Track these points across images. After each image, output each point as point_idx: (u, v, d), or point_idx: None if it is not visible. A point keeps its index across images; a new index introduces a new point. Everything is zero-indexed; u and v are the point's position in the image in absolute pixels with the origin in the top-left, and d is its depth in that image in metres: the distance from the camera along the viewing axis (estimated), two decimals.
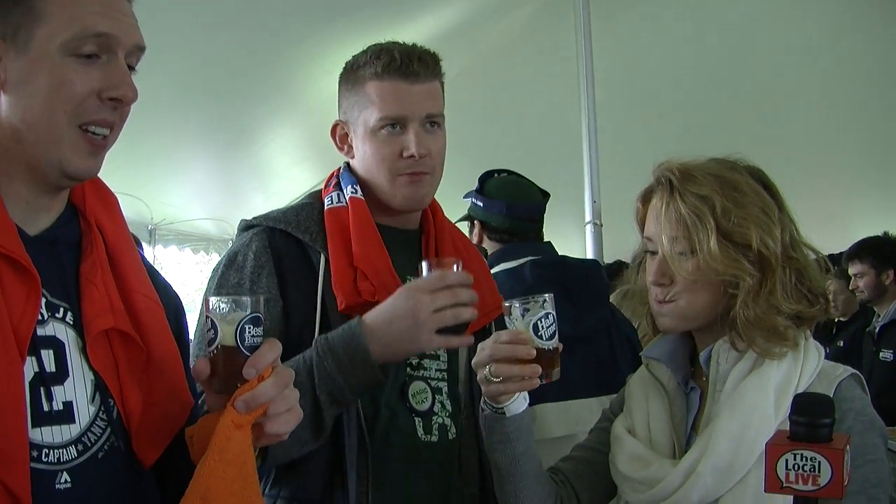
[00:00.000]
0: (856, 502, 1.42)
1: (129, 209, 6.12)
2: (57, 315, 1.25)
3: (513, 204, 2.62)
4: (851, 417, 1.48)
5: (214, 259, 7.09)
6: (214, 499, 1.21)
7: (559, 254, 2.66)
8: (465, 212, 2.75)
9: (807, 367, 1.55)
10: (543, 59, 6.87)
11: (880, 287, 4.78)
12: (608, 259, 5.16)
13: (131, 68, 1.28)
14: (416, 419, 1.82)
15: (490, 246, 2.66)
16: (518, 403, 1.62)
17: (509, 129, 7.36)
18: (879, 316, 4.85)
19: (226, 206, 7.23)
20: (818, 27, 6.67)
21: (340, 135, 1.92)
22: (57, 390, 1.21)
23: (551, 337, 1.56)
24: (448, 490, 1.86)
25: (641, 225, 1.68)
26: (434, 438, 1.83)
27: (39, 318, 1.21)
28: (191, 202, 7.16)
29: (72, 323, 1.26)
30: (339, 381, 1.64)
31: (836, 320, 5.50)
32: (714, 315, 1.59)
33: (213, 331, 1.27)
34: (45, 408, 1.20)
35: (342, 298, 1.74)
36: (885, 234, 5.03)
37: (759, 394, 1.52)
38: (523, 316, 1.56)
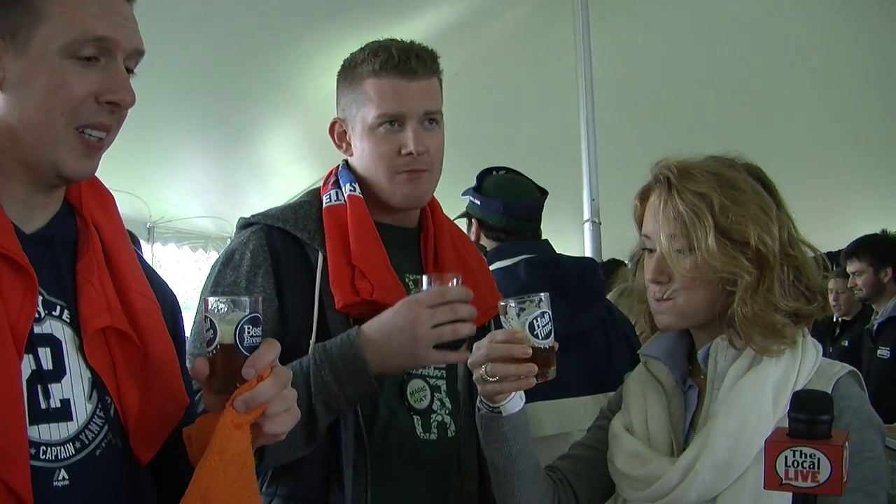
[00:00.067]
0: (853, 499, 1.42)
1: (128, 207, 6.13)
2: (54, 313, 1.25)
3: (510, 203, 2.62)
4: (849, 415, 1.48)
5: (213, 257, 7.10)
6: (215, 499, 1.21)
7: (556, 252, 2.66)
8: (463, 209, 2.75)
9: (805, 364, 1.55)
10: (541, 57, 6.87)
11: (878, 285, 4.79)
12: (607, 257, 5.16)
13: (130, 71, 1.28)
14: (415, 417, 1.82)
15: (488, 244, 2.66)
16: (514, 402, 1.61)
17: (508, 127, 7.36)
18: (878, 314, 4.85)
19: (224, 203, 7.23)
20: (815, 26, 6.68)
21: (339, 132, 1.92)
22: (54, 388, 1.22)
23: (547, 336, 1.56)
24: (447, 488, 1.86)
25: (639, 223, 1.68)
26: (433, 437, 1.83)
27: (36, 316, 1.21)
28: (189, 200, 7.16)
29: (69, 321, 1.26)
30: (335, 390, 1.64)
31: (839, 320, 5.49)
32: (712, 313, 1.59)
33: (211, 331, 1.27)
34: (43, 405, 1.20)
35: (340, 297, 1.74)
36: (884, 231, 5.03)
37: (757, 391, 1.52)
38: (519, 315, 1.56)
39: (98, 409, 1.27)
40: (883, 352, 4.58)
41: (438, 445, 1.84)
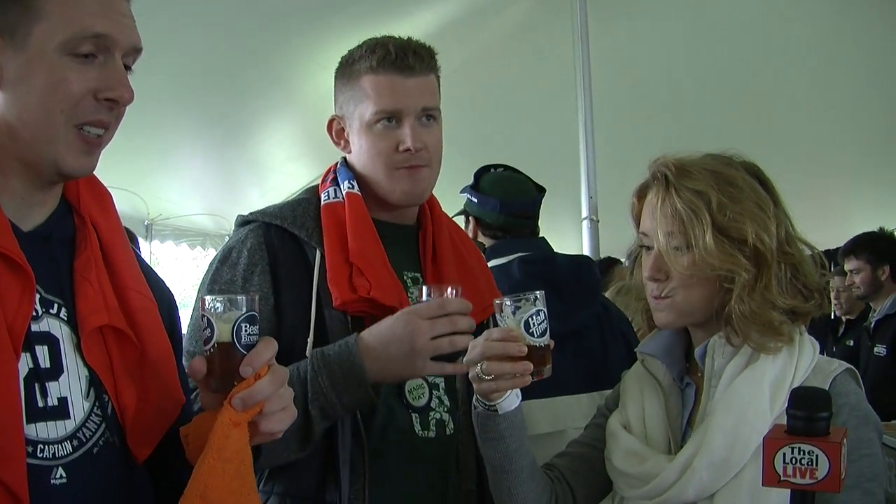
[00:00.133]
0: (851, 497, 1.43)
1: (126, 204, 6.12)
2: (51, 311, 1.25)
3: (506, 200, 2.62)
4: (846, 412, 1.49)
5: (211, 254, 7.05)
6: (214, 497, 1.21)
7: (553, 250, 2.66)
8: (461, 207, 2.75)
9: (802, 362, 1.55)
10: (540, 55, 6.87)
11: (876, 283, 4.78)
12: (605, 255, 5.16)
13: (128, 69, 1.28)
14: (413, 415, 1.81)
15: (485, 241, 2.66)
16: (510, 401, 1.62)
17: (506, 125, 7.36)
18: (875, 311, 4.85)
19: (222, 201, 7.21)
20: (814, 25, 6.68)
21: (337, 130, 1.92)
22: (52, 386, 1.22)
23: (542, 334, 1.56)
24: (445, 487, 1.86)
25: (637, 220, 1.68)
26: (431, 434, 1.83)
27: (34, 314, 1.21)
28: (187, 198, 7.15)
29: (66, 319, 1.26)
30: (331, 397, 1.64)
31: (843, 319, 5.48)
32: (710, 310, 1.59)
33: (209, 329, 1.27)
34: (40, 404, 1.20)
35: (337, 294, 1.74)
36: (881, 229, 5.03)
37: (754, 389, 1.53)
38: (514, 313, 1.56)
39: (95, 408, 1.27)
40: (880, 349, 4.59)
41: (437, 443, 1.84)
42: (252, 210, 1.89)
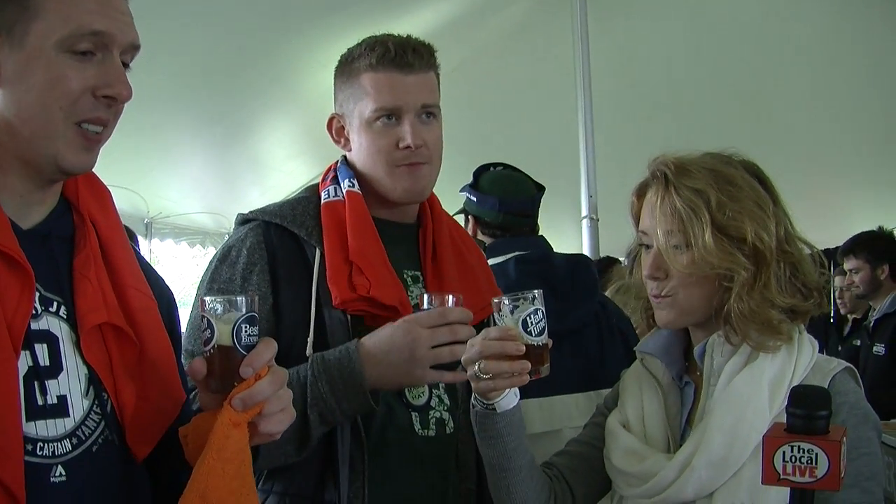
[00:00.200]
0: (849, 495, 1.43)
1: (126, 203, 6.13)
2: (50, 309, 1.25)
3: (505, 199, 2.62)
4: (845, 411, 1.49)
5: (211, 253, 7.04)
6: (214, 497, 1.21)
7: (551, 248, 2.66)
8: (461, 206, 2.75)
9: (801, 360, 1.55)
10: (540, 54, 6.88)
11: (875, 282, 4.78)
12: (605, 254, 5.16)
13: (126, 66, 1.28)
14: (413, 414, 1.81)
15: (484, 240, 2.66)
16: (508, 399, 1.61)
17: (505, 124, 7.36)
18: (875, 310, 4.85)
19: (222, 199, 7.22)
20: (814, 24, 6.68)
21: (337, 128, 1.92)
22: (51, 384, 1.22)
23: (540, 333, 1.56)
24: (445, 486, 1.85)
25: (636, 219, 1.68)
26: (431, 433, 1.82)
27: (33, 312, 1.21)
28: (187, 196, 7.15)
29: (65, 317, 1.26)
30: (331, 403, 1.64)
31: (849, 318, 5.47)
32: (709, 309, 1.59)
33: (209, 331, 1.27)
34: (40, 402, 1.20)
35: (337, 293, 1.74)
36: (880, 228, 5.03)
37: (753, 388, 1.53)
38: (512, 312, 1.56)
39: (95, 406, 1.27)
40: (878, 348, 4.59)
41: (436, 442, 1.83)
42: (252, 209, 1.89)
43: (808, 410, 1.20)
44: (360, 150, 1.86)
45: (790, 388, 1.46)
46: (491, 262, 2.51)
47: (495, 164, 2.75)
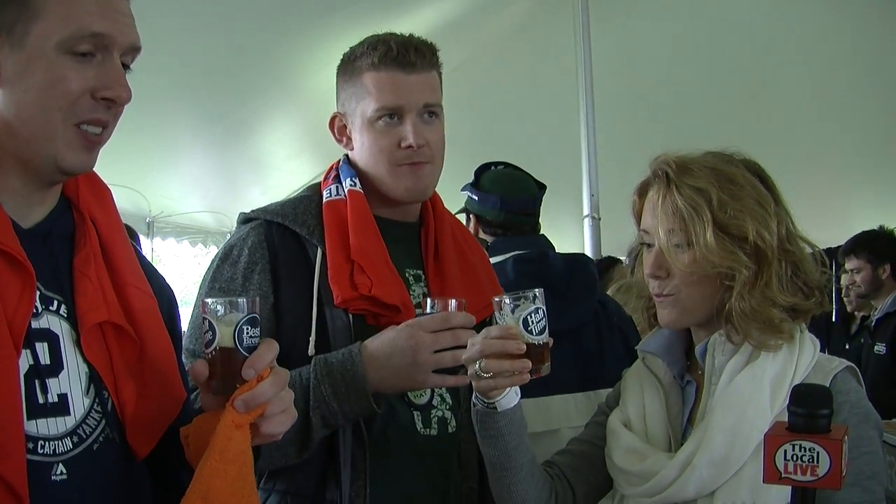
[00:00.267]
0: (850, 494, 1.43)
1: (127, 201, 6.13)
2: (51, 308, 1.25)
3: (506, 198, 2.62)
4: (847, 410, 1.49)
5: (212, 252, 7.05)
6: (216, 498, 1.22)
7: (553, 247, 2.65)
8: (462, 205, 2.75)
9: (802, 359, 1.55)
10: (542, 53, 6.87)
11: (877, 281, 4.77)
12: (607, 253, 5.16)
13: (126, 67, 1.28)
14: (415, 413, 1.81)
15: (486, 239, 2.66)
16: (509, 398, 1.61)
17: (507, 123, 7.36)
18: (876, 309, 4.85)
19: (224, 198, 7.22)
20: (814, 24, 6.68)
21: (339, 127, 1.92)
22: (52, 382, 1.22)
23: (541, 332, 1.56)
24: (447, 485, 1.85)
25: (638, 218, 1.68)
26: (433, 432, 1.82)
27: (33, 311, 1.21)
28: (189, 195, 7.15)
29: (66, 316, 1.26)
30: (333, 406, 1.65)
31: (857, 316, 5.46)
32: (711, 308, 1.59)
33: (210, 332, 1.28)
34: (41, 400, 1.20)
35: (338, 292, 1.74)
36: (881, 227, 5.02)
37: (755, 386, 1.53)
38: (513, 311, 1.56)
39: (95, 404, 1.27)
40: (880, 347, 4.58)
41: (438, 441, 1.83)
42: (253, 208, 1.89)
43: (809, 409, 1.20)
44: (362, 150, 1.86)
45: (791, 387, 1.46)
46: (491, 261, 2.51)
47: (497, 163, 2.75)
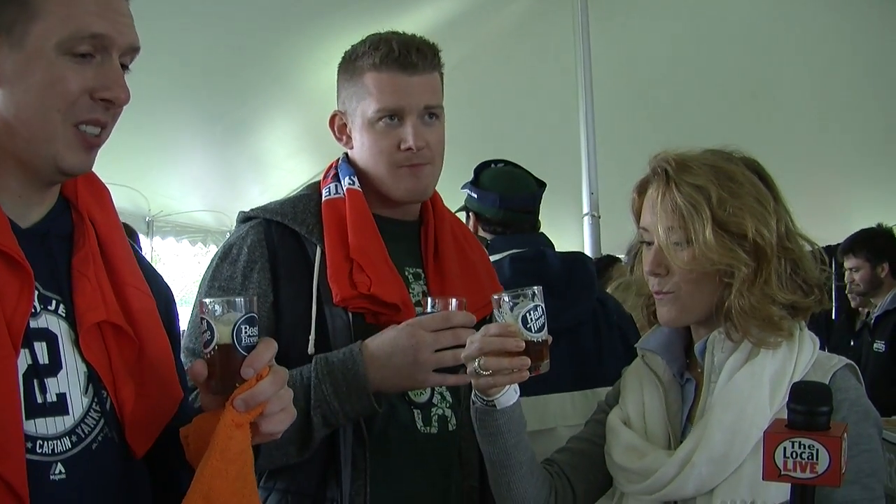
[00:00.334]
0: (850, 492, 1.43)
1: (127, 201, 6.13)
2: (49, 307, 1.25)
3: (505, 196, 2.61)
4: (846, 408, 1.49)
5: (212, 251, 7.05)
6: (217, 498, 1.22)
7: (552, 245, 2.65)
8: (461, 203, 2.74)
9: (801, 357, 1.55)
10: (541, 51, 6.87)
11: (876, 280, 4.76)
12: (606, 251, 5.17)
13: (125, 68, 1.28)
14: (415, 411, 1.81)
15: (486, 237, 2.66)
16: (508, 396, 1.62)
17: (507, 121, 7.36)
18: (875, 307, 4.85)
19: (223, 197, 7.22)
20: (813, 24, 6.68)
21: (339, 125, 1.92)
22: (50, 382, 1.22)
23: (540, 329, 1.56)
24: (448, 483, 1.85)
25: (637, 216, 1.68)
26: (434, 430, 1.82)
27: (32, 310, 1.21)
28: (188, 194, 7.16)
29: (64, 315, 1.26)
30: (334, 405, 1.65)
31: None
32: (711, 306, 1.59)
33: (208, 332, 1.28)
34: (39, 400, 1.20)
35: (337, 291, 1.74)
36: (879, 225, 5.02)
37: (754, 384, 1.53)
38: (512, 309, 1.56)
39: (94, 403, 1.27)
40: (879, 345, 4.58)
41: (439, 439, 1.83)
42: (253, 206, 1.89)
43: (808, 406, 1.20)
44: (361, 149, 1.86)
45: (791, 384, 1.46)
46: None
47: (496, 161, 2.75)
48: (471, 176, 2.72)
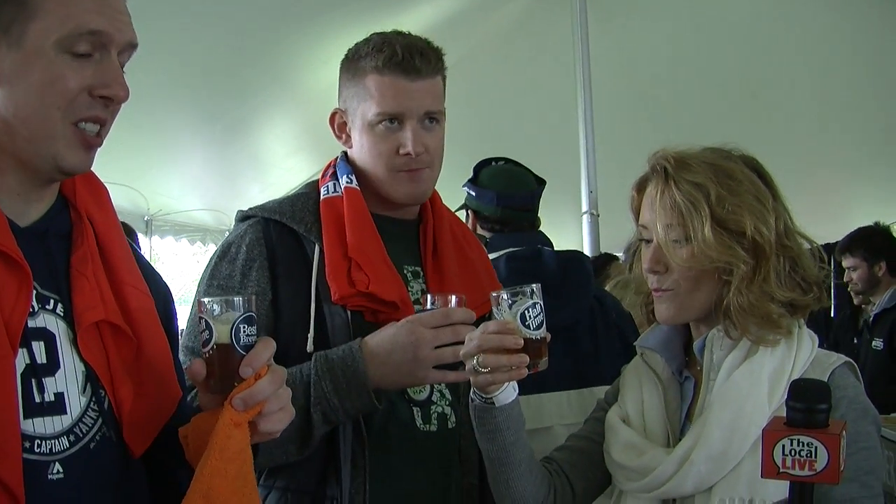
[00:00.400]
0: (848, 489, 1.43)
1: (126, 200, 6.14)
2: (47, 307, 1.25)
3: (503, 193, 2.61)
4: (845, 405, 1.49)
5: (211, 249, 7.07)
6: (217, 497, 1.22)
7: (552, 244, 2.65)
8: (461, 202, 2.74)
9: (800, 355, 1.55)
10: (540, 50, 6.88)
11: (874, 279, 4.76)
12: (605, 249, 5.17)
13: (122, 64, 1.28)
14: (415, 409, 1.81)
15: (484, 234, 2.66)
16: (507, 393, 1.62)
17: (505, 120, 7.37)
18: (874, 305, 4.85)
19: (222, 196, 7.23)
20: (813, 21, 6.68)
21: (339, 123, 1.92)
22: (48, 381, 1.22)
23: (539, 326, 1.56)
24: (447, 481, 1.85)
25: (636, 214, 1.68)
26: (433, 428, 1.82)
27: (30, 310, 1.21)
28: (187, 193, 7.16)
29: (62, 315, 1.26)
30: (334, 402, 1.65)
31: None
32: (709, 304, 1.59)
33: (207, 332, 1.28)
34: (37, 399, 1.20)
35: (336, 289, 1.74)
36: (876, 224, 5.01)
37: (753, 382, 1.53)
38: (511, 306, 1.56)
39: (92, 403, 1.26)
40: (877, 343, 4.58)
41: (438, 437, 1.83)
42: (252, 205, 1.89)
43: (807, 404, 1.20)
44: (361, 150, 1.86)
45: (790, 382, 1.46)
46: None
47: (498, 159, 2.74)
48: (469, 174, 2.72)
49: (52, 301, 1.25)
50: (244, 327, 1.27)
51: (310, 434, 1.66)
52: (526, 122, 7.33)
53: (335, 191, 1.86)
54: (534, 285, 1.57)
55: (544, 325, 1.57)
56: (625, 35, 6.75)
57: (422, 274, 1.90)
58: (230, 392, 1.26)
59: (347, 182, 1.86)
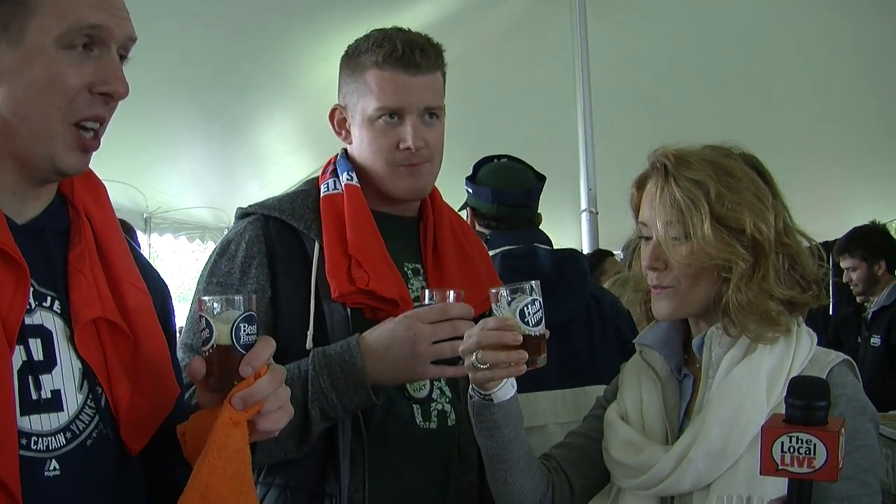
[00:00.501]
0: (846, 487, 1.43)
1: (125, 197, 6.14)
2: (44, 304, 1.24)
3: (498, 190, 2.61)
4: (843, 403, 1.49)
5: (210, 247, 7.10)
6: (214, 495, 1.22)
7: (551, 242, 2.64)
8: (460, 199, 2.74)
9: (799, 352, 1.55)
10: (539, 48, 6.87)
11: (873, 278, 4.76)
12: (604, 247, 5.18)
13: (122, 58, 1.28)
14: (415, 406, 1.81)
15: (483, 231, 2.65)
16: (506, 390, 1.62)
17: (504, 117, 7.36)
18: (872, 302, 4.85)
19: (221, 194, 7.23)
20: (812, 20, 6.68)
21: (339, 119, 1.92)
22: (45, 379, 1.21)
23: (538, 323, 1.56)
24: (447, 478, 1.85)
25: (636, 211, 1.68)
26: (433, 425, 1.82)
27: (27, 307, 1.20)
28: (186, 190, 7.16)
29: (59, 312, 1.26)
30: (332, 398, 1.64)
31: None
32: (708, 301, 1.59)
33: (207, 330, 1.28)
34: (34, 396, 1.20)
35: (336, 286, 1.74)
36: (873, 222, 5.01)
37: (751, 379, 1.53)
38: (510, 303, 1.56)
39: (89, 400, 1.26)
40: (875, 340, 4.59)
41: (438, 434, 1.83)
42: (251, 203, 1.89)
43: (806, 401, 1.20)
44: (360, 146, 1.86)
45: (788, 379, 1.46)
46: None
47: (498, 157, 2.74)
48: (469, 171, 2.72)
49: (49, 298, 1.25)
50: (244, 326, 1.27)
51: (308, 430, 1.66)
52: (525, 120, 7.33)
53: (335, 188, 1.86)
54: (533, 282, 1.57)
55: (543, 322, 1.57)
56: (624, 32, 6.75)
57: (422, 271, 1.90)
58: (229, 391, 1.26)
59: (348, 179, 1.86)
